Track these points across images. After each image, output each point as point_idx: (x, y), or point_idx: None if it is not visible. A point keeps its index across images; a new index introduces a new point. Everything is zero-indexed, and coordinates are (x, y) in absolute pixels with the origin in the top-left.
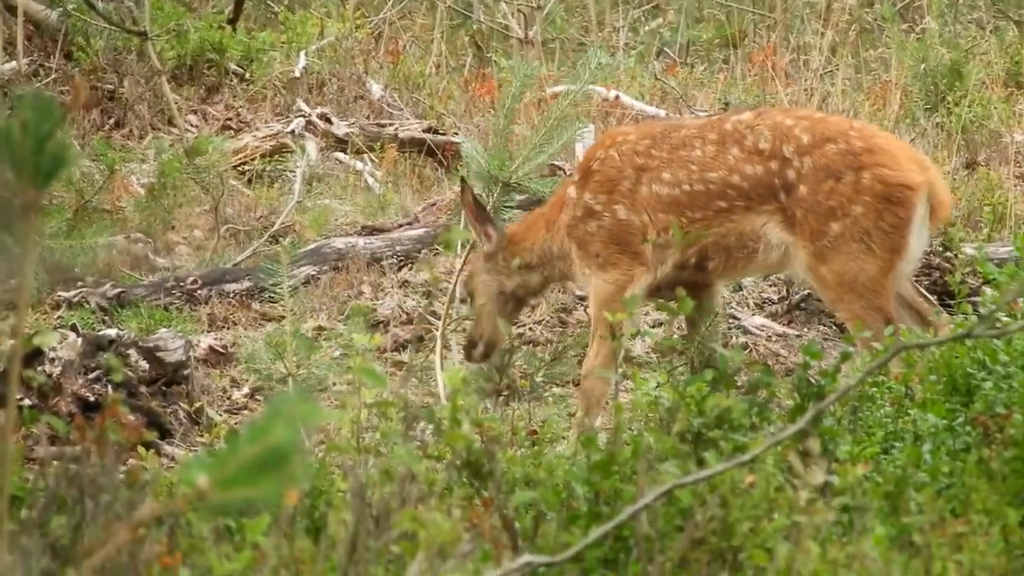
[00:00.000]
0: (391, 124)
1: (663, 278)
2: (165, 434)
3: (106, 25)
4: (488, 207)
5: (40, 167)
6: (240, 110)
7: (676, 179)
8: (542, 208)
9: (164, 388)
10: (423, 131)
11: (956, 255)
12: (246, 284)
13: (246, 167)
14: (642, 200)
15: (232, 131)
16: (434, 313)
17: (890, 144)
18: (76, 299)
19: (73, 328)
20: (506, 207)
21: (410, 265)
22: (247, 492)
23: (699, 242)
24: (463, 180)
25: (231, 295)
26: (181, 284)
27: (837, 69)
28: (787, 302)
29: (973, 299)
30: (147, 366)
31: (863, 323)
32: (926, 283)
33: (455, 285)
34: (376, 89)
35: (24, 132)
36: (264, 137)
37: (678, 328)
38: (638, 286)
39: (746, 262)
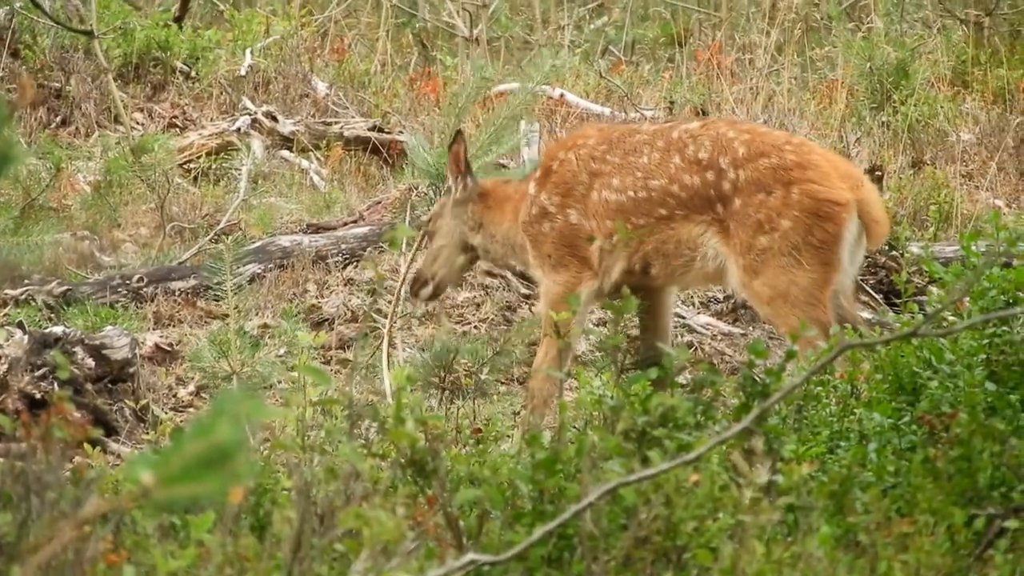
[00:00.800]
0: (336, 122)
1: (611, 284)
2: (111, 432)
3: (53, 23)
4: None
5: None
6: (186, 108)
7: (623, 185)
8: (517, 187)
9: (110, 386)
10: (368, 129)
11: (902, 254)
12: (192, 282)
13: (192, 165)
14: (593, 205)
15: (178, 129)
16: (379, 311)
17: (824, 161)
18: (23, 296)
19: (20, 325)
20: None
21: (355, 263)
22: (192, 489)
23: (640, 247)
24: (459, 132)
25: (177, 293)
26: (127, 282)
27: (783, 68)
28: (732, 301)
29: (919, 298)
30: (93, 364)
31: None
32: (872, 282)
33: (401, 283)
34: (321, 87)
35: None
36: (210, 135)
37: (625, 328)
38: (585, 290)
39: (684, 270)
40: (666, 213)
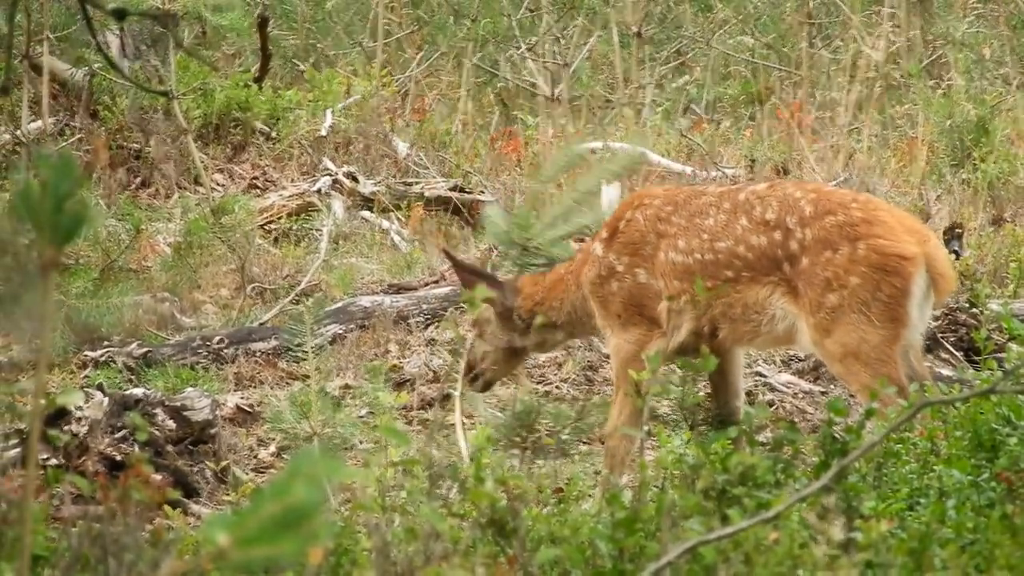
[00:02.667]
0: (417, 182)
1: (676, 345)
2: (192, 493)
3: (131, 84)
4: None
5: (59, 226)
6: (266, 169)
7: (690, 247)
8: (567, 266)
9: (191, 447)
10: (449, 189)
11: (982, 311)
12: (272, 343)
13: (272, 226)
14: (660, 265)
15: (258, 190)
16: (459, 372)
17: (890, 216)
18: (102, 358)
19: (99, 387)
20: (532, 265)
21: (436, 323)
22: (269, 550)
23: (708, 310)
24: (444, 251)
25: (257, 354)
26: (207, 343)
27: (863, 125)
28: (813, 359)
29: (999, 355)
30: (174, 425)
31: (872, 394)
32: (952, 339)
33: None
34: (402, 147)
35: (44, 191)
36: (290, 196)
37: (702, 387)
38: (653, 349)
39: (752, 335)
40: (732, 275)
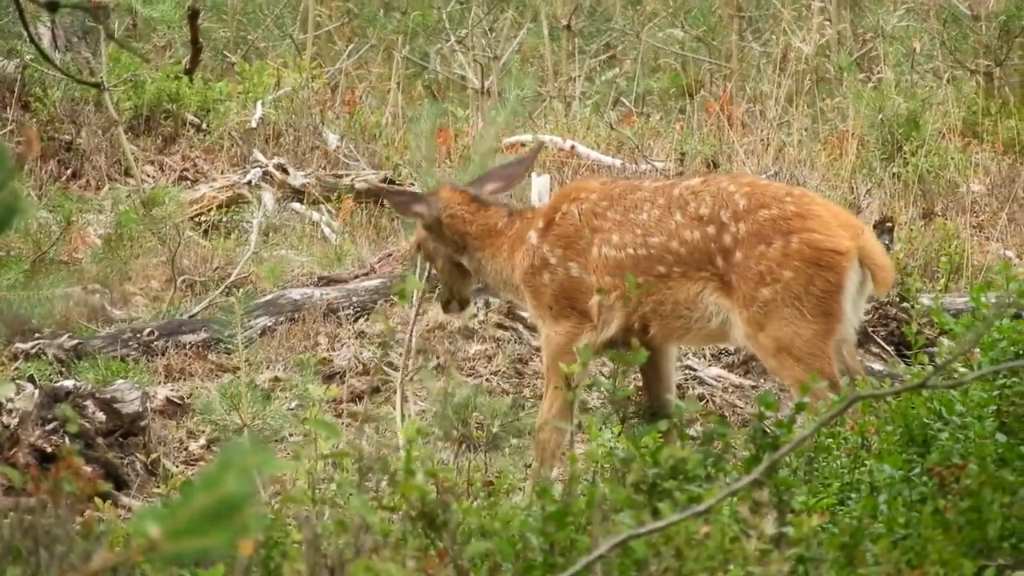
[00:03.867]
0: (347, 174)
1: (607, 340)
2: (122, 485)
3: (63, 76)
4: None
5: None
6: (197, 161)
7: (623, 242)
8: (507, 222)
9: (121, 439)
10: (379, 182)
11: (913, 305)
12: (202, 335)
13: (203, 218)
14: (593, 260)
15: (189, 182)
16: (390, 364)
17: (824, 210)
18: (33, 350)
19: (30, 379)
20: None
21: (366, 316)
22: (200, 542)
23: (639, 306)
24: (380, 184)
25: (187, 346)
26: (138, 335)
27: (794, 119)
28: (743, 353)
29: (930, 350)
30: (104, 417)
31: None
32: (883, 333)
33: (410, 336)
34: (332, 139)
35: None
36: (221, 188)
37: (633, 381)
38: (583, 342)
39: (683, 331)
40: (664, 271)
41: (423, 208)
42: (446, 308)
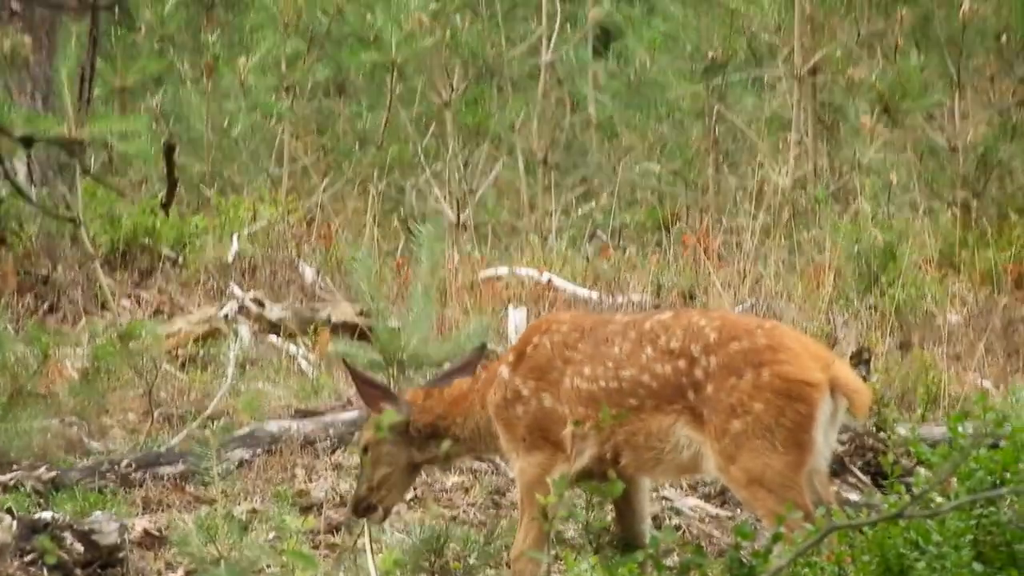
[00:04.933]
0: (324, 308)
1: (579, 470)
2: None
3: (39, 210)
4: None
5: None
6: (173, 294)
7: (595, 374)
8: (472, 382)
9: (99, 571)
10: (356, 314)
11: (890, 436)
12: (180, 467)
13: (179, 351)
14: (565, 391)
15: (165, 315)
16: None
17: (795, 342)
18: (11, 482)
19: (8, 511)
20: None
21: (343, 448)
22: None
23: (611, 436)
24: (345, 362)
25: (165, 478)
26: (115, 467)
27: (770, 251)
28: (719, 483)
29: (906, 479)
30: (82, 549)
31: (778, 519)
32: (860, 463)
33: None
34: (309, 273)
35: None
36: (197, 321)
37: (608, 512)
38: (557, 473)
39: (655, 462)
40: (636, 403)
41: (391, 406)
42: (363, 513)
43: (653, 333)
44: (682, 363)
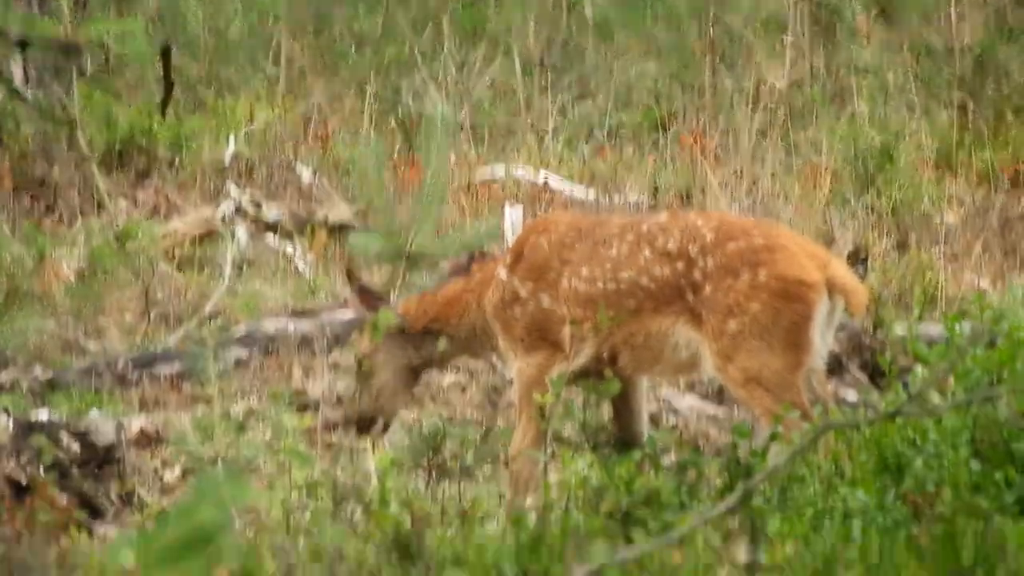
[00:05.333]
0: (320, 209)
1: (577, 370)
2: (97, 515)
3: (35, 111)
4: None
5: None
6: (169, 195)
7: (593, 276)
8: (466, 283)
9: (96, 470)
10: (352, 214)
11: (887, 335)
12: (177, 367)
13: (176, 251)
14: (563, 291)
15: (162, 216)
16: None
17: (791, 242)
18: (7, 382)
19: (4, 411)
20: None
21: (340, 347)
22: (174, 572)
23: (609, 337)
24: (348, 270)
25: (162, 378)
26: (112, 367)
27: (767, 152)
28: (717, 382)
29: (904, 378)
30: (78, 448)
31: (776, 418)
32: (857, 363)
33: None
34: (305, 174)
35: None
36: (194, 222)
37: (605, 411)
38: (555, 373)
39: (653, 362)
40: (635, 305)
41: (385, 307)
42: (365, 430)
43: (651, 235)
44: (680, 264)
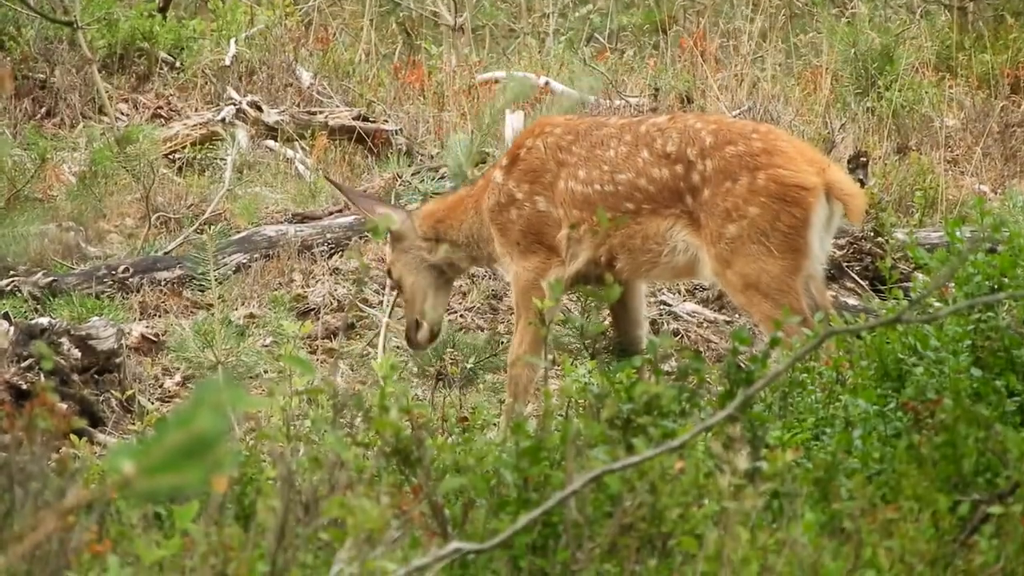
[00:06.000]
0: (321, 112)
1: (574, 273)
2: (97, 422)
3: (36, 14)
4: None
5: None
6: (171, 98)
7: (590, 177)
8: (468, 189)
9: (96, 376)
10: (353, 119)
11: (887, 240)
12: (177, 272)
13: (177, 155)
14: (560, 194)
15: (163, 119)
16: (365, 300)
17: (790, 146)
18: (8, 288)
19: (5, 316)
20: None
21: (341, 252)
22: (174, 479)
23: (606, 240)
24: (328, 179)
25: (162, 283)
26: (113, 272)
27: (767, 54)
28: (717, 288)
29: (904, 284)
30: (79, 354)
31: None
32: (857, 268)
33: (393, 304)
34: (306, 77)
35: None
36: (194, 125)
37: (605, 316)
38: (552, 277)
39: (650, 265)
40: (633, 207)
41: (387, 210)
42: (416, 342)
43: (649, 136)
44: (679, 167)
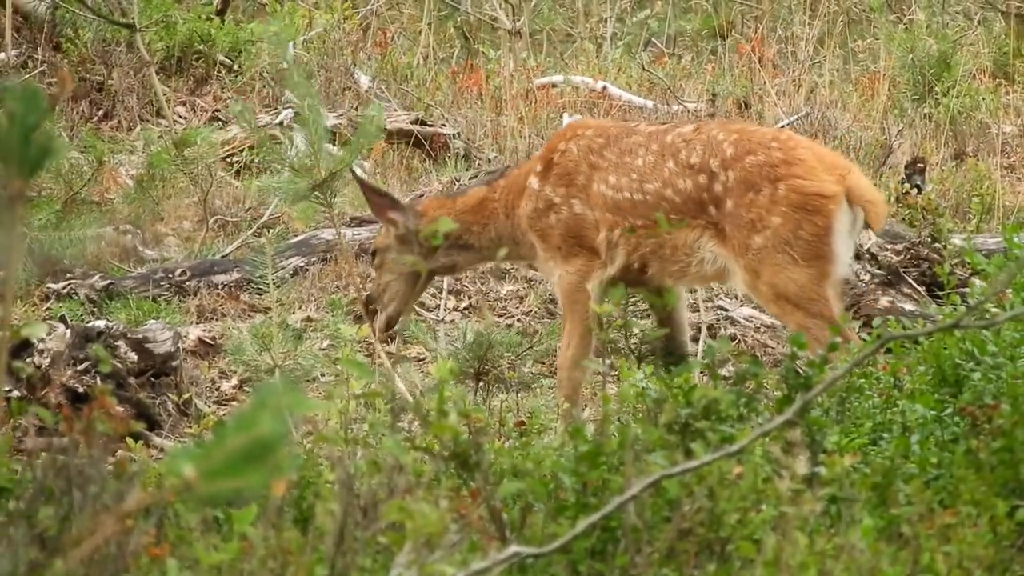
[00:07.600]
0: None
1: (609, 279)
2: (154, 425)
3: (94, 16)
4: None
5: (26, 158)
6: (228, 101)
7: (619, 184)
8: (489, 191)
9: (153, 379)
10: (411, 123)
11: (945, 246)
12: (235, 276)
13: (234, 159)
14: (594, 196)
15: (220, 122)
16: (421, 304)
17: (809, 154)
18: (65, 291)
19: (62, 319)
20: None
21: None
22: (233, 483)
23: (638, 247)
24: (354, 174)
25: (219, 287)
26: (170, 275)
27: (825, 60)
28: None
29: (962, 290)
30: (136, 357)
31: (808, 333)
32: (915, 274)
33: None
34: (364, 80)
35: (11, 123)
36: (252, 129)
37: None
38: (594, 279)
39: (681, 273)
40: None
41: (399, 216)
42: (385, 327)
43: (674, 147)
44: (702, 178)
